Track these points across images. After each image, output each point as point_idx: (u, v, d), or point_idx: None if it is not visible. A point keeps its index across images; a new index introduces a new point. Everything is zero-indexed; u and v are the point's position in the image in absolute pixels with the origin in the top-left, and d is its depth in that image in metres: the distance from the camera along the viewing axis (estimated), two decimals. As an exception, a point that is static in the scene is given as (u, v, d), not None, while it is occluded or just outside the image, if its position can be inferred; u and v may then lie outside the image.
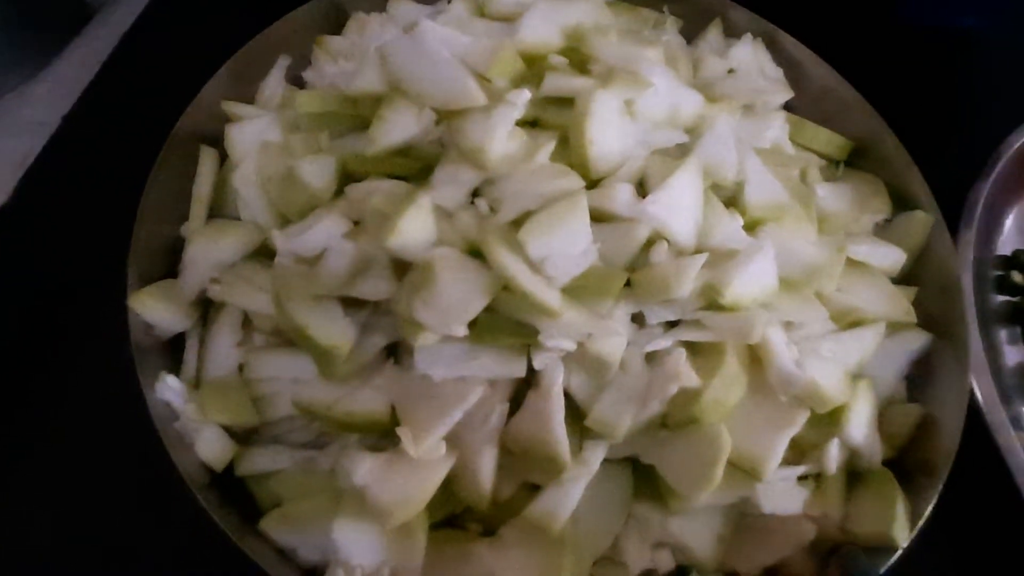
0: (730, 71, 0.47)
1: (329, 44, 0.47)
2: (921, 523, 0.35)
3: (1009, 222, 0.50)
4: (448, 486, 0.34)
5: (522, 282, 0.32)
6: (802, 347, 0.37)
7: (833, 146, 0.47)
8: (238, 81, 0.47)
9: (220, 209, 0.43)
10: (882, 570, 0.33)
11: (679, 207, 0.35)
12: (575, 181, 0.35)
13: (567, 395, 0.34)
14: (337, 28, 0.49)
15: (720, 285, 0.34)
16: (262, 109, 0.45)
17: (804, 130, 0.47)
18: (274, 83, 0.46)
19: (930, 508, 0.35)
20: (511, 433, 0.34)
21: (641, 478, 0.36)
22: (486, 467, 0.33)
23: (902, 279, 0.43)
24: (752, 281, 0.35)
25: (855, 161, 0.48)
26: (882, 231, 0.45)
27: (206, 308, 0.40)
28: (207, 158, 0.43)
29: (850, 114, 0.48)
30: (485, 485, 0.33)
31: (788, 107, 0.48)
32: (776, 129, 0.44)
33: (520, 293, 0.32)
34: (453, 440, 0.34)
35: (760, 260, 0.35)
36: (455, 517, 0.35)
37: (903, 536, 0.34)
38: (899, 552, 0.34)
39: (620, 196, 0.34)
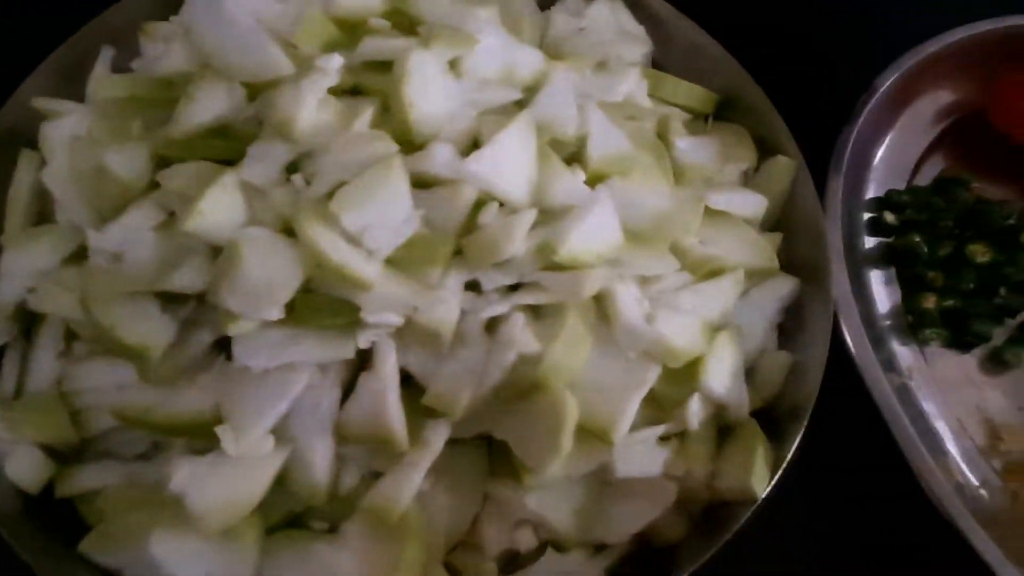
0: (581, 30, 0.45)
1: (155, 30, 0.43)
2: (783, 468, 0.33)
3: (878, 164, 0.50)
4: (283, 483, 0.31)
5: (332, 256, 0.30)
6: (658, 301, 0.35)
7: (695, 99, 0.46)
8: (68, 79, 0.43)
9: (48, 217, 0.40)
10: (743, 519, 0.32)
11: (507, 165, 0.33)
12: (388, 145, 0.32)
13: (406, 374, 0.32)
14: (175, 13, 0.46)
15: (555, 242, 0.32)
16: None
17: (664, 84, 0.45)
18: (100, 77, 0.43)
19: (791, 453, 0.34)
20: (345, 419, 0.32)
21: (498, 455, 0.34)
22: (320, 459, 0.31)
23: (772, 227, 0.42)
24: (591, 236, 0.33)
25: (726, 114, 0.47)
26: (749, 181, 0.44)
27: (31, 322, 0.37)
28: (25, 161, 0.40)
29: (718, 69, 0.47)
30: (320, 478, 0.31)
31: (659, 66, 0.47)
32: (630, 84, 0.43)
33: (331, 268, 0.30)
34: (283, 433, 0.31)
35: (598, 213, 0.33)
36: (299, 517, 0.33)
37: (761, 486, 0.33)
38: (758, 502, 0.32)
39: (438, 157, 0.32)
